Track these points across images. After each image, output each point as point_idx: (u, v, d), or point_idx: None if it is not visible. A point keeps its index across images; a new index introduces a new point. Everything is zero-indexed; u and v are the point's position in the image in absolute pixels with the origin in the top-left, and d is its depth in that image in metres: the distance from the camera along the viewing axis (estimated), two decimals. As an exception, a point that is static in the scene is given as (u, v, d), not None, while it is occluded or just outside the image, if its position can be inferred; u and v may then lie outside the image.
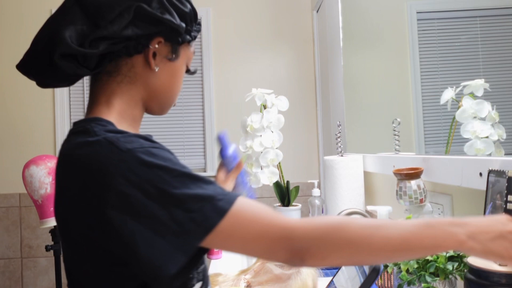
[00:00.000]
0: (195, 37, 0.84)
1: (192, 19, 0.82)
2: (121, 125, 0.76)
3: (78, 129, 0.72)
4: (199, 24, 0.85)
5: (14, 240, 2.84)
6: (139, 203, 0.61)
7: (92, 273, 0.69)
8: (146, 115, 0.87)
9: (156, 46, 0.77)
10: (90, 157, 0.64)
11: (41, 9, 2.88)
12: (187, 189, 0.62)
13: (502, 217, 0.64)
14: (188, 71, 0.87)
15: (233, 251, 0.64)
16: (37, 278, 2.84)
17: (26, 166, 1.97)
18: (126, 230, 0.61)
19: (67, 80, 0.79)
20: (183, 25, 0.78)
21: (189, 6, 0.81)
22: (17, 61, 0.77)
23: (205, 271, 0.80)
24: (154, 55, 0.77)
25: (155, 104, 0.82)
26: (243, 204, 0.63)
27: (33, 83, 0.78)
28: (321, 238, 0.61)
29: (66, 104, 2.86)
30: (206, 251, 0.67)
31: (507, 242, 0.61)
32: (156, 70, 0.78)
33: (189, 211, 0.60)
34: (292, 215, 1.74)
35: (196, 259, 0.68)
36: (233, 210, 0.62)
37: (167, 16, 0.75)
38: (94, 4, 0.73)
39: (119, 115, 0.77)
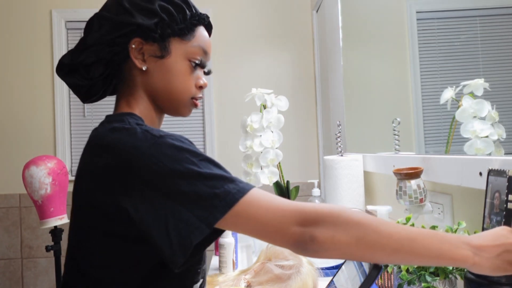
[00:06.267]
0: (183, 31, 0.84)
1: (171, 14, 0.82)
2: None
3: (114, 118, 0.79)
4: (195, 16, 0.86)
5: (14, 241, 2.84)
6: (169, 180, 0.67)
7: (105, 256, 0.73)
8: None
9: (133, 46, 0.82)
10: (126, 139, 0.71)
11: (41, 9, 2.88)
12: (211, 170, 0.69)
13: (503, 230, 0.64)
14: (197, 65, 0.87)
15: (247, 232, 0.68)
16: (37, 279, 2.84)
17: (26, 166, 1.97)
18: (157, 204, 0.67)
19: (97, 93, 0.89)
20: (150, 22, 0.81)
21: (158, 2, 0.82)
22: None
23: (205, 271, 0.85)
24: (143, 55, 0.83)
25: (163, 104, 0.87)
26: (260, 190, 0.70)
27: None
28: (332, 213, 0.65)
29: (66, 104, 2.86)
30: (217, 237, 0.72)
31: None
32: (144, 68, 0.83)
33: (213, 188, 0.67)
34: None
35: (207, 242, 0.72)
36: (252, 192, 0.68)
37: (124, 17, 0.81)
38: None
39: (142, 116, 0.83)
